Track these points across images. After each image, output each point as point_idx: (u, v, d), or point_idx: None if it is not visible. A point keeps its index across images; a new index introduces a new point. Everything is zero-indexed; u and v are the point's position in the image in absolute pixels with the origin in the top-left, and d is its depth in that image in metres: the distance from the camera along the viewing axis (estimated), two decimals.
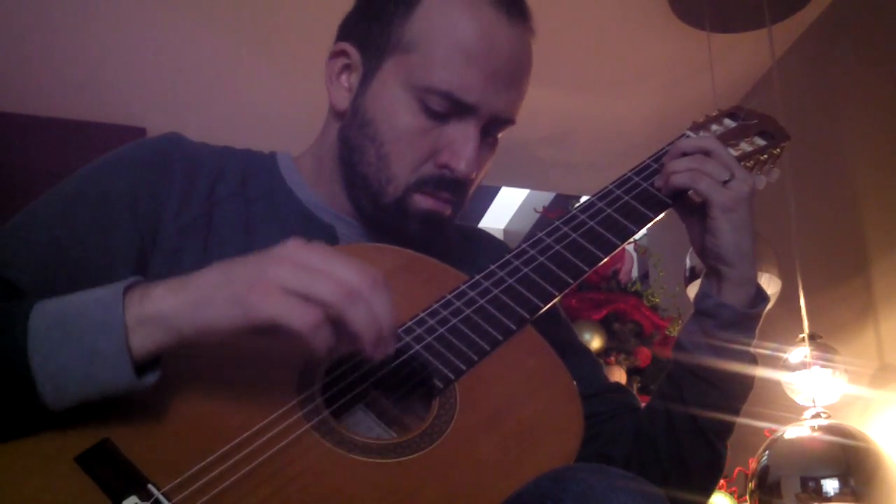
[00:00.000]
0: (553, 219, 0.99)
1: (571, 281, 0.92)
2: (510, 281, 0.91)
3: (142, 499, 0.67)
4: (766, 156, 1.05)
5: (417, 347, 0.83)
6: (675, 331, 2.54)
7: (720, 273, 0.96)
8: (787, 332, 2.15)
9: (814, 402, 2.04)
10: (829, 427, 1.96)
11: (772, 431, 2.04)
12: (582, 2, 2.47)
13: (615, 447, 1.01)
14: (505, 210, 4.56)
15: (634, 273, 2.92)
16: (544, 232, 0.96)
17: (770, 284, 2.24)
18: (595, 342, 2.40)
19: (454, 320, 0.86)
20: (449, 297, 0.89)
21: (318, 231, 1.00)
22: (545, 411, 0.83)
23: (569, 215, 0.98)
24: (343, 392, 0.80)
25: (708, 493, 1.02)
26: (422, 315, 0.86)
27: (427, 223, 0.97)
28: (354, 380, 0.81)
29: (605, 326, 2.45)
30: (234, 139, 1.11)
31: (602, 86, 2.84)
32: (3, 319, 0.71)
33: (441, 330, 0.85)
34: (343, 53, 1.01)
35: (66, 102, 2.82)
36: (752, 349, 0.97)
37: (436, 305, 0.87)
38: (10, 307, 0.73)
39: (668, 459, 0.97)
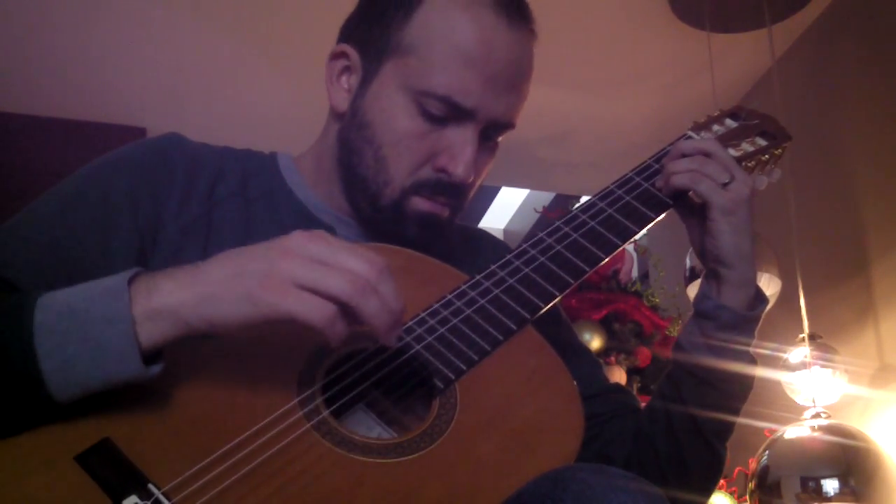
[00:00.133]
0: (553, 219, 0.99)
1: (572, 281, 0.92)
2: (511, 281, 0.91)
3: (142, 498, 0.67)
4: (767, 156, 1.05)
5: (418, 347, 0.83)
6: (675, 331, 2.54)
7: (719, 275, 0.96)
8: (787, 332, 2.15)
9: (814, 402, 2.04)
10: (829, 427, 1.96)
11: (772, 431, 2.04)
12: (582, 2, 2.47)
13: (615, 448, 1.01)
14: (505, 210, 4.56)
15: (634, 273, 2.93)
16: (545, 232, 0.96)
17: (770, 284, 2.24)
18: (595, 342, 2.40)
19: (455, 320, 0.86)
20: (449, 296, 0.89)
21: None
22: (545, 411, 0.83)
23: (569, 215, 0.98)
24: (343, 392, 0.80)
25: (708, 493, 1.02)
26: (422, 315, 0.86)
27: (424, 226, 0.97)
28: (355, 379, 0.81)
29: (605, 326, 2.45)
30: (234, 139, 1.11)
31: (602, 86, 2.84)
32: (9, 311, 0.71)
33: (441, 330, 0.85)
34: (343, 55, 1.01)
35: (66, 102, 2.82)
36: (751, 350, 0.97)
37: (436, 305, 0.87)
38: (15, 299, 0.73)
39: (667, 460, 0.98)
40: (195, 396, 0.75)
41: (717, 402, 0.96)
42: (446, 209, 0.98)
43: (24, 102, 2.81)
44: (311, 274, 0.70)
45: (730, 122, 1.08)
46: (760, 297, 0.98)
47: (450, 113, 0.94)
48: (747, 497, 2.06)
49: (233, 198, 0.99)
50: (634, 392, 2.33)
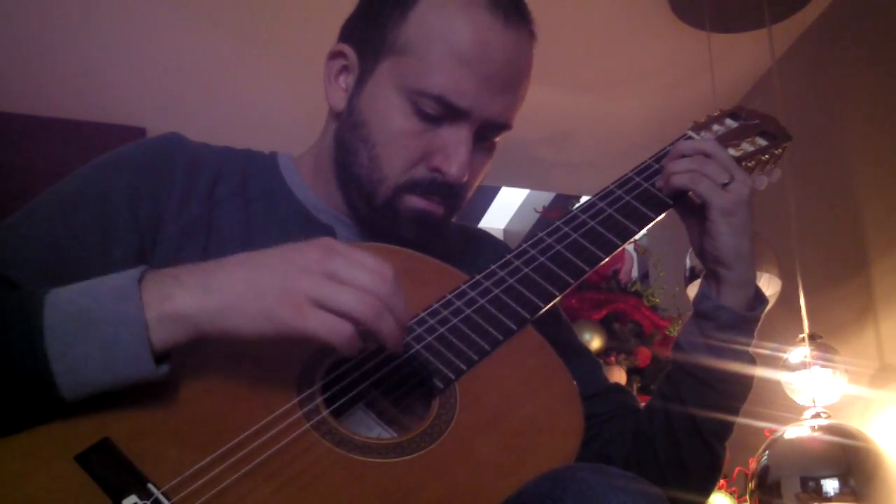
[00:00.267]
0: (553, 219, 0.99)
1: (572, 281, 0.92)
2: (511, 281, 0.91)
3: (141, 498, 0.67)
4: (767, 156, 1.05)
5: (418, 347, 0.83)
6: (675, 331, 2.54)
7: (719, 275, 0.96)
8: (787, 332, 2.15)
9: (814, 402, 2.04)
10: (829, 427, 1.96)
11: (772, 431, 2.04)
12: (582, 2, 2.47)
13: (614, 448, 1.01)
14: (505, 210, 4.56)
15: (634, 273, 2.93)
16: (545, 232, 0.96)
17: (770, 284, 2.24)
18: (595, 342, 2.39)
19: (454, 320, 0.86)
20: (449, 296, 0.89)
21: (317, 232, 1.00)
22: (545, 411, 0.83)
23: (569, 215, 0.98)
24: (343, 391, 0.80)
25: (707, 493, 1.02)
26: (422, 315, 0.86)
27: (419, 224, 0.97)
28: (354, 379, 0.81)
29: (605, 326, 2.45)
30: (234, 139, 1.11)
31: (602, 86, 2.84)
32: (16, 311, 0.72)
33: (441, 329, 0.85)
34: (341, 54, 1.01)
35: (66, 102, 2.82)
36: (750, 350, 0.97)
37: (436, 305, 0.87)
38: (20, 297, 0.73)
39: (666, 460, 0.98)
40: (195, 396, 0.75)
41: (717, 403, 0.96)
42: (441, 208, 0.97)
43: (24, 102, 2.81)
44: (329, 293, 0.72)
45: (730, 122, 1.08)
46: (760, 298, 0.98)
47: (444, 113, 0.93)
48: (747, 497, 2.06)
49: (233, 198, 0.99)
50: (634, 392, 2.33)
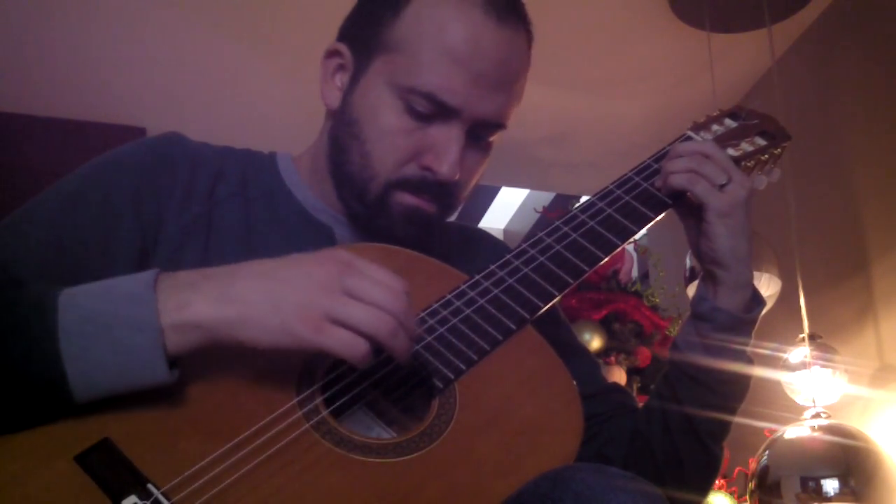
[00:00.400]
0: (553, 219, 0.99)
1: (572, 281, 0.92)
2: (510, 281, 0.91)
3: (141, 498, 0.67)
4: (766, 156, 1.05)
5: (417, 347, 0.83)
6: (675, 331, 2.54)
7: (716, 276, 0.96)
8: (787, 332, 2.15)
9: (814, 402, 2.04)
10: (829, 427, 1.96)
11: (772, 431, 2.04)
12: (582, 2, 2.47)
13: (613, 447, 1.01)
14: (505, 210, 4.56)
15: (634, 273, 2.92)
16: (544, 232, 0.96)
17: (770, 284, 2.24)
18: (595, 342, 2.39)
19: (454, 320, 0.86)
20: (449, 296, 0.89)
21: (316, 232, 1.00)
22: (545, 411, 0.83)
23: (569, 215, 0.98)
24: (343, 391, 0.80)
25: (705, 492, 1.02)
26: (422, 315, 0.86)
27: (410, 222, 0.96)
28: (354, 379, 0.81)
29: (605, 326, 2.45)
30: (234, 139, 1.11)
31: (602, 86, 2.84)
32: (31, 311, 0.72)
33: (441, 329, 0.85)
34: (337, 53, 1.01)
35: (66, 102, 2.82)
36: (748, 350, 0.97)
37: (436, 305, 0.87)
38: (37, 295, 0.74)
39: (664, 460, 0.98)
40: (195, 396, 0.75)
41: (714, 403, 0.96)
42: (433, 206, 0.97)
43: (24, 102, 2.81)
44: (345, 311, 0.73)
45: (729, 122, 1.08)
46: (757, 300, 0.98)
47: (435, 111, 0.93)
48: (747, 497, 2.06)
49: (233, 197, 0.99)
50: (634, 392, 2.33)
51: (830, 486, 1.86)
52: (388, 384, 0.84)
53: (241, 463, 0.71)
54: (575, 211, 0.98)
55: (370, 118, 0.95)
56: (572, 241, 0.95)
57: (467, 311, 0.87)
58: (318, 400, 0.78)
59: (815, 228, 2.37)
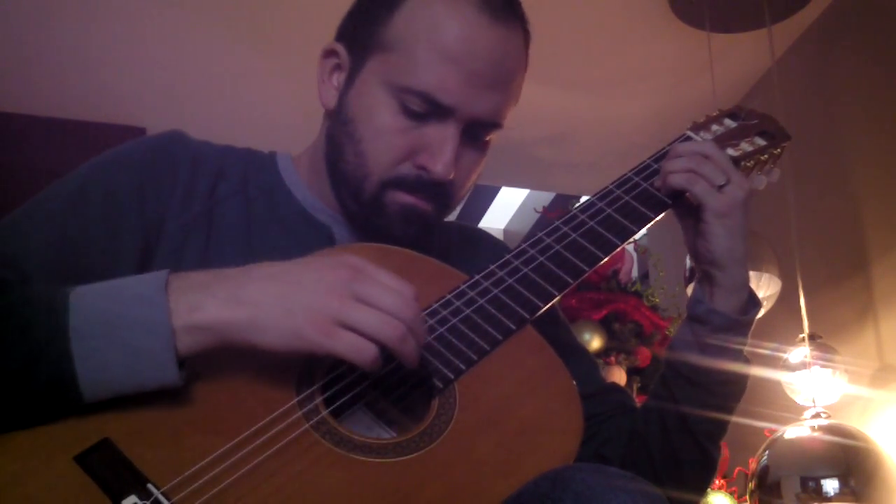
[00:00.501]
0: (553, 219, 0.99)
1: (571, 281, 0.92)
2: (510, 281, 0.91)
3: (141, 498, 0.67)
4: (766, 156, 1.05)
5: None
6: (674, 331, 2.53)
7: (712, 277, 0.96)
8: (787, 332, 2.15)
9: (814, 402, 2.04)
10: (829, 427, 1.96)
11: (772, 431, 2.04)
12: (582, 2, 2.47)
13: (611, 447, 1.01)
14: (505, 210, 4.56)
15: (634, 273, 2.92)
16: (544, 232, 0.96)
17: (770, 284, 2.24)
18: (595, 342, 2.39)
19: (454, 320, 0.86)
20: (449, 296, 0.88)
21: (316, 231, 1.00)
22: (545, 411, 0.82)
23: (569, 215, 0.98)
24: (342, 391, 0.80)
25: (702, 492, 1.03)
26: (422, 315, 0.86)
27: (406, 220, 0.96)
28: (354, 379, 0.81)
29: (605, 326, 2.45)
30: (234, 139, 1.10)
31: (602, 86, 2.84)
32: (42, 310, 0.72)
33: (441, 329, 0.85)
34: (334, 53, 1.01)
35: (66, 102, 2.82)
36: (744, 350, 0.97)
37: (435, 305, 0.87)
38: (48, 294, 0.74)
39: (661, 460, 0.98)
40: (195, 396, 0.75)
41: (711, 403, 0.96)
42: (429, 205, 0.96)
43: (24, 102, 2.81)
44: (356, 316, 0.74)
45: (729, 122, 1.08)
46: (754, 301, 0.98)
47: (430, 110, 0.93)
48: (747, 497, 2.06)
49: (234, 196, 0.99)
50: (634, 392, 2.33)
51: (830, 486, 1.86)
52: (388, 384, 0.84)
53: (241, 463, 0.71)
54: (575, 211, 0.98)
55: (365, 117, 0.95)
56: (572, 241, 0.95)
57: (467, 311, 0.87)
58: (318, 400, 0.78)
59: (815, 228, 2.37)
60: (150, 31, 2.57)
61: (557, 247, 0.94)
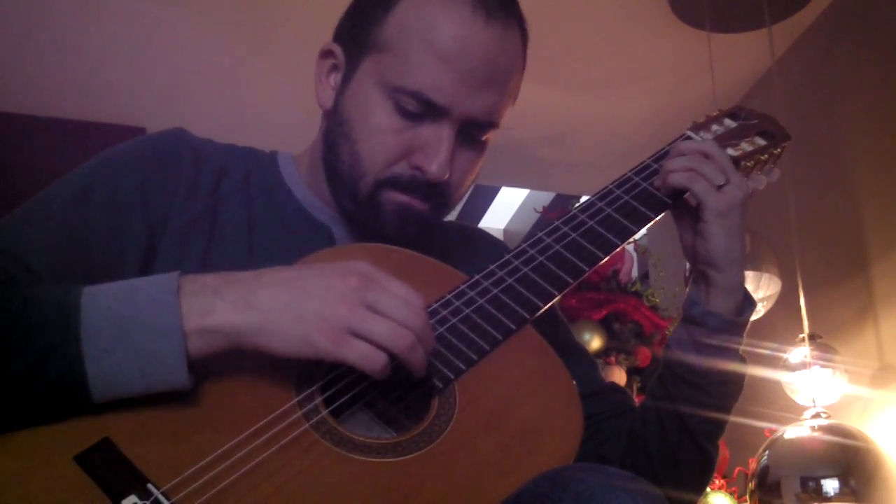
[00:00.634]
0: (553, 219, 0.99)
1: (571, 281, 0.92)
2: (510, 281, 0.91)
3: (141, 498, 0.67)
4: (766, 156, 1.05)
5: None
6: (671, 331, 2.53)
7: (709, 278, 0.96)
8: (787, 332, 2.15)
9: (814, 402, 2.04)
10: (829, 427, 1.96)
11: (772, 431, 2.04)
12: (582, 2, 2.47)
13: (610, 447, 1.01)
14: (505, 210, 4.56)
15: (634, 273, 2.92)
16: (544, 232, 0.96)
17: (770, 284, 2.24)
18: (595, 342, 2.39)
19: (454, 320, 0.86)
20: (449, 296, 0.88)
21: (316, 231, 1.01)
22: (545, 411, 0.82)
23: (569, 215, 0.98)
24: (342, 391, 0.80)
25: (700, 491, 1.03)
26: None
27: (402, 220, 0.96)
28: (354, 379, 0.81)
29: (605, 326, 2.45)
30: (235, 139, 1.10)
31: (602, 86, 2.84)
32: (54, 310, 0.72)
33: (441, 329, 0.85)
34: (331, 53, 1.01)
35: (66, 102, 2.82)
36: (740, 350, 0.97)
37: (435, 305, 0.87)
38: (59, 294, 0.74)
39: (659, 460, 0.98)
40: (194, 396, 0.75)
41: (709, 403, 0.96)
42: (425, 205, 0.96)
43: (24, 102, 2.81)
44: (366, 325, 0.75)
45: (729, 122, 1.08)
46: (749, 301, 0.98)
47: (424, 110, 0.93)
48: (747, 497, 2.06)
49: (237, 194, 1.00)
50: (634, 392, 2.33)
51: (830, 486, 1.86)
52: (388, 384, 0.84)
53: (240, 462, 0.71)
54: (575, 211, 0.98)
55: (360, 118, 0.95)
56: (572, 241, 0.95)
57: (467, 311, 0.87)
58: (318, 400, 0.78)
59: (815, 228, 2.37)
60: (150, 31, 2.57)
61: (557, 247, 0.94)
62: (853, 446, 1.90)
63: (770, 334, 2.03)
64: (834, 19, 2.45)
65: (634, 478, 0.71)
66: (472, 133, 0.96)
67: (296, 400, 0.77)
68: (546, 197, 3.98)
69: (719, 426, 0.98)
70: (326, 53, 1.01)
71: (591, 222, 0.96)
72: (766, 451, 1.99)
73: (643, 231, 0.99)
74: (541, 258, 0.93)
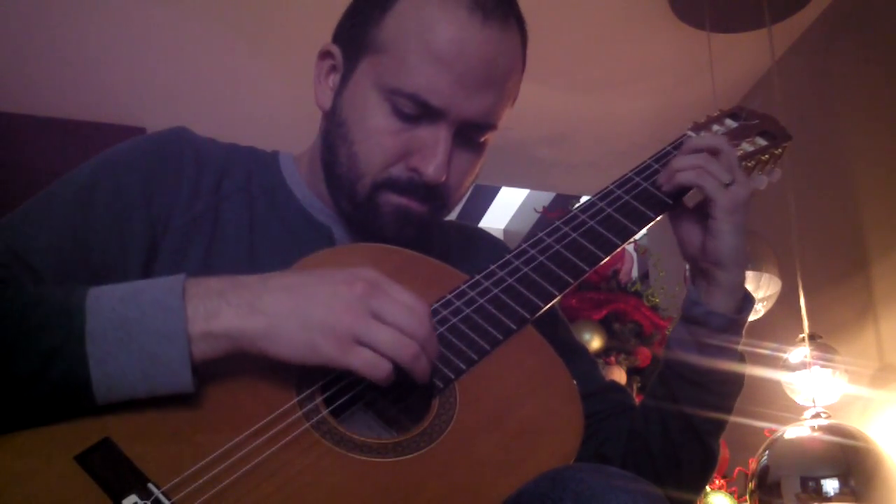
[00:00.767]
0: (553, 219, 0.99)
1: (572, 281, 0.92)
2: (510, 280, 0.91)
3: (142, 497, 0.67)
4: (767, 156, 1.05)
5: None
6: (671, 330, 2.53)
7: (712, 277, 0.96)
8: (787, 332, 2.15)
9: (814, 402, 2.05)
10: (829, 427, 1.96)
11: (772, 431, 2.04)
12: (582, 2, 2.47)
13: (611, 446, 1.01)
14: (505, 210, 4.56)
15: (634, 273, 2.92)
16: (544, 232, 0.96)
17: (770, 284, 2.24)
18: (595, 342, 2.39)
19: (454, 319, 0.86)
20: (449, 296, 0.89)
21: (316, 232, 1.01)
22: (545, 410, 0.82)
23: (569, 215, 0.98)
24: (342, 391, 0.80)
25: (701, 489, 1.03)
26: None
27: (400, 221, 0.96)
28: (354, 379, 0.81)
29: (605, 326, 2.45)
30: (234, 139, 1.10)
31: (602, 86, 2.84)
32: (59, 311, 0.72)
33: (441, 329, 0.85)
34: (330, 54, 1.01)
35: (66, 102, 2.82)
36: (739, 348, 0.97)
37: (436, 305, 0.87)
38: (64, 295, 0.74)
39: (661, 458, 0.98)
40: (195, 396, 0.75)
41: (709, 401, 0.97)
42: (423, 206, 0.96)
43: (24, 102, 2.81)
44: (371, 334, 0.75)
45: (730, 123, 1.08)
46: (748, 299, 0.98)
47: (421, 112, 0.92)
48: (747, 497, 2.06)
49: (238, 193, 1.00)
50: (634, 392, 2.33)
51: (830, 486, 1.86)
52: (388, 384, 0.84)
53: (241, 462, 0.71)
54: (575, 211, 0.98)
55: (358, 119, 0.95)
56: (572, 241, 0.95)
57: (467, 311, 0.87)
58: (318, 400, 0.78)
59: (815, 228, 2.37)
60: (150, 31, 2.57)
61: (558, 246, 0.94)
62: (853, 446, 1.90)
63: (770, 334, 2.03)
64: (834, 19, 2.45)
65: (635, 478, 0.71)
66: (470, 135, 0.96)
67: (296, 400, 0.77)
68: (546, 197, 3.98)
69: (722, 424, 0.98)
70: (325, 54, 1.01)
71: (591, 222, 0.96)
72: (766, 451, 1.99)
73: (643, 231, 0.99)
74: (541, 258, 0.93)
